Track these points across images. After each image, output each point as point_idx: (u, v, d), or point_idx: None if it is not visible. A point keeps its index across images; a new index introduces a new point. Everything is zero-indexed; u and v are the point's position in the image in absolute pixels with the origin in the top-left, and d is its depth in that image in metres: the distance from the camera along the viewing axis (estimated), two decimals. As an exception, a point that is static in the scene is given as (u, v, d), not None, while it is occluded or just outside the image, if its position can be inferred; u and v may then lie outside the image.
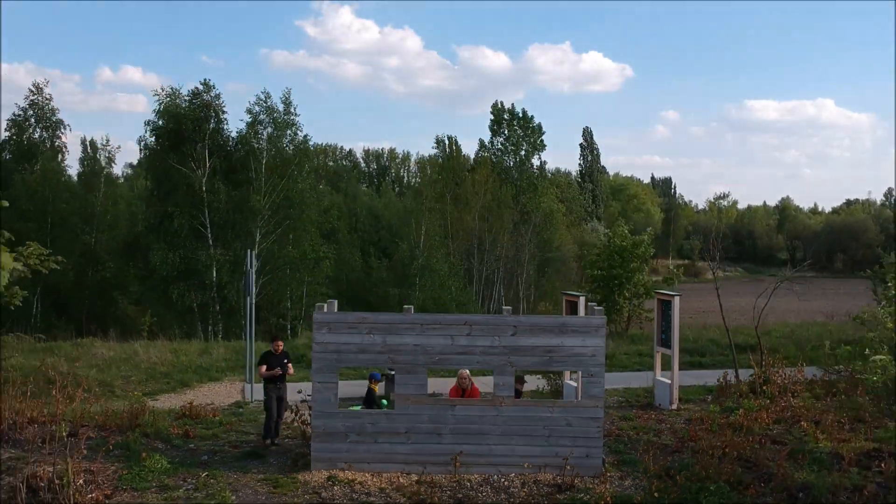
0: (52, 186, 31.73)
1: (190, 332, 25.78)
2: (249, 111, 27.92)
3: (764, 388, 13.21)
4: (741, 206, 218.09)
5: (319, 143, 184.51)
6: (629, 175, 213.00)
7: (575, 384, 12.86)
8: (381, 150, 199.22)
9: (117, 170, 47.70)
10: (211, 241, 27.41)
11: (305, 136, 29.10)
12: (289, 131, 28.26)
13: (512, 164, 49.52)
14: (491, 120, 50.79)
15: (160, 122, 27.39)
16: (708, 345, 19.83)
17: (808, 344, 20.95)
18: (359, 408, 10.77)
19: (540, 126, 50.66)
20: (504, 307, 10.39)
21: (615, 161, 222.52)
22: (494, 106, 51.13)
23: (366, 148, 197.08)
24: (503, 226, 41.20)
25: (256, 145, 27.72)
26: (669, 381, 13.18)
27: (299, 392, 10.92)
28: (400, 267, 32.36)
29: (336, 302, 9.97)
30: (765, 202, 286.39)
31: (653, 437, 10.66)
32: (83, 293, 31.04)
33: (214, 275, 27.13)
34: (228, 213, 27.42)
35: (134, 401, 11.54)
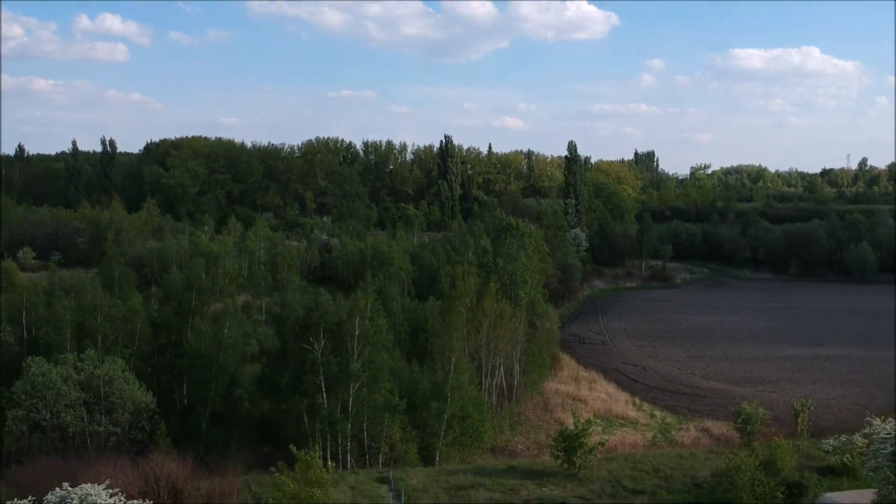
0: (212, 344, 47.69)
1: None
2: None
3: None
4: (725, 163, 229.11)
5: (322, 136, 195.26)
6: (612, 160, 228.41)
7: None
8: (379, 142, 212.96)
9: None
10: (324, 392, 43.82)
11: (381, 320, 45.46)
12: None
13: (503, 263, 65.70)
14: (494, 228, 67.03)
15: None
16: None
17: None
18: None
19: (525, 232, 67.39)
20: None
21: (601, 110, 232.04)
22: (495, 217, 67.38)
23: (365, 140, 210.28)
24: (505, 333, 57.61)
25: (349, 329, 43.92)
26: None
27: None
28: (437, 385, 48.55)
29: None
30: (744, 175, 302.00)
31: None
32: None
33: (326, 413, 43.62)
34: (335, 373, 43.73)
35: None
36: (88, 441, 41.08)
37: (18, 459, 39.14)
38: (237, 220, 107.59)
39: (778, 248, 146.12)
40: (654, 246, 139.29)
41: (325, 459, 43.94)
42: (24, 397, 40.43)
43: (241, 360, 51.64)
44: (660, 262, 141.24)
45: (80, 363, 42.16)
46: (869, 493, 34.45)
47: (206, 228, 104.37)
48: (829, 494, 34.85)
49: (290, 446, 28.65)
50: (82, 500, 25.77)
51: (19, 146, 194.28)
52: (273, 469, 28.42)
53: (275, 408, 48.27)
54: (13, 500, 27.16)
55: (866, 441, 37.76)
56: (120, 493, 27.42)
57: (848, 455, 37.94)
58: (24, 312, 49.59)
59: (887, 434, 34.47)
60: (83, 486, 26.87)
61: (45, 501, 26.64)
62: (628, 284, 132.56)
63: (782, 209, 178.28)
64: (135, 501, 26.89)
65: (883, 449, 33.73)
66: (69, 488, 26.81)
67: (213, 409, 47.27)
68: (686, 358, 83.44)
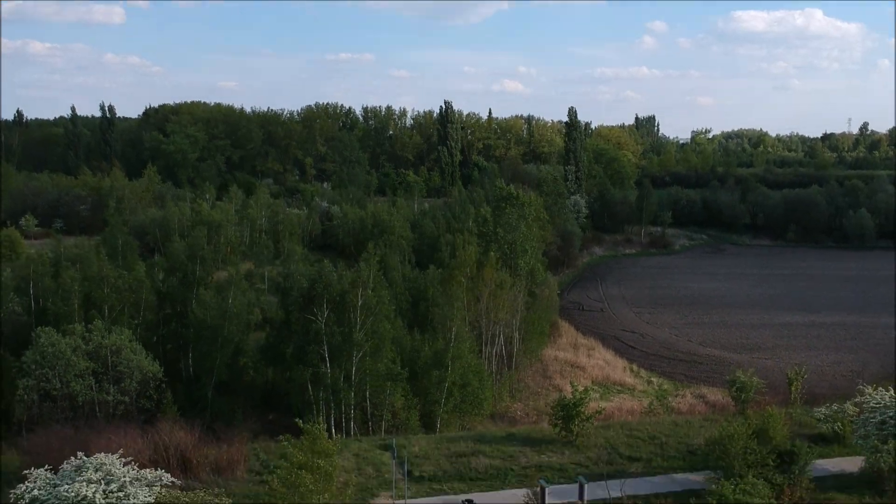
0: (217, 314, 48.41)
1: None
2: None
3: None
4: (726, 127, 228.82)
5: (321, 102, 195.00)
6: (613, 125, 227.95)
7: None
8: (379, 107, 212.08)
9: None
10: (328, 361, 44.69)
11: (384, 291, 46.18)
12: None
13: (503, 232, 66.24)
14: (494, 197, 67.50)
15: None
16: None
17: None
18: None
19: (525, 202, 67.91)
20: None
21: (602, 73, 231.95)
22: (496, 187, 67.73)
23: (364, 106, 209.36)
24: (505, 302, 58.40)
25: (352, 300, 44.60)
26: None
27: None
28: (438, 354, 49.39)
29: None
30: (745, 140, 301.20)
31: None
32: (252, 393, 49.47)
33: (330, 382, 44.54)
34: (339, 343, 44.53)
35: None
36: (97, 410, 42.07)
37: (30, 428, 40.16)
38: (238, 188, 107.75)
39: (777, 214, 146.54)
40: (653, 212, 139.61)
41: (329, 427, 45.06)
42: (34, 367, 41.32)
43: (246, 329, 52.45)
44: (659, 229, 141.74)
45: (87, 333, 42.96)
46: (858, 461, 35.55)
47: (206, 196, 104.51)
48: (819, 461, 35.91)
49: (297, 420, 29.43)
50: (97, 469, 26.67)
51: (17, 111, 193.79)
52: (280, 438, 29.27)
53: (279, 377, 49.42)
54: (29, 468, 28.10)
55: (857, 410, 38.73)
56: (133, 462, 28.35)
57: (839, 423, 38.94)
58: (32, 283, 50.26)
59: (876, 404, 35.41)
60: (98, 455, 27.78)
61: (61, 470, 27.56)
62: (627, 251, 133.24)
63: (782, 175, 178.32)
64: (147, 470, 27.82)
65: (872, 418, 34.72)
66: (84, 457, 27.73)
67: (218, 378, 48.24)
68: (684, 325, 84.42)
